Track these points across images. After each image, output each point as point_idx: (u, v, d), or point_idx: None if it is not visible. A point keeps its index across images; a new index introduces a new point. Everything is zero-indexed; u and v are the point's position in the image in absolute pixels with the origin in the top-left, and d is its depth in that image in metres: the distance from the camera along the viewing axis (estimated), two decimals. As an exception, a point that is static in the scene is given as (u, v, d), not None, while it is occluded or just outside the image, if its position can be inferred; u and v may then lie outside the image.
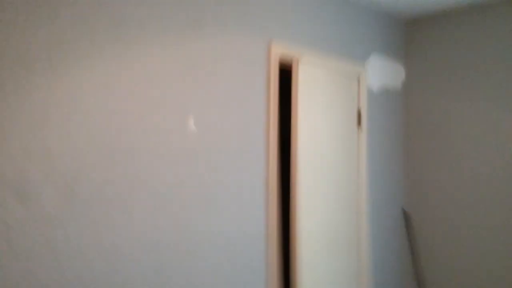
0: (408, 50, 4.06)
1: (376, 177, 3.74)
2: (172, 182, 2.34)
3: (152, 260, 2.24)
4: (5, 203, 1.78)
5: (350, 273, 3.36)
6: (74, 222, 1.97)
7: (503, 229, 3.43)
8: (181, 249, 2.36)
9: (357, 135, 3.51)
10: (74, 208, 1.97)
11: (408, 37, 4.07)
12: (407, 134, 4.05)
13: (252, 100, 2.77)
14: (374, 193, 3.71)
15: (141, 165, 2.22)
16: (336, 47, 3.38)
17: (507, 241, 3.40)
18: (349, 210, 3.39)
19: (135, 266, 2.17)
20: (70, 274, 1.95)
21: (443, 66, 3.82)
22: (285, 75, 3.36)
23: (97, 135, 2.07)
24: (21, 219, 1.81)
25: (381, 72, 3.82)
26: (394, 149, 3.98)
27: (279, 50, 2.91)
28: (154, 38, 2.28)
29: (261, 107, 2.82)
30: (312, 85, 3.10)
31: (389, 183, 3.91)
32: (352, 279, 3.38)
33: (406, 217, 3.99)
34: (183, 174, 2.39)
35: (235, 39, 2.67)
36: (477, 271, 3.55)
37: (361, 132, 3.54)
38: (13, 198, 1.80)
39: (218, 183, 2.56)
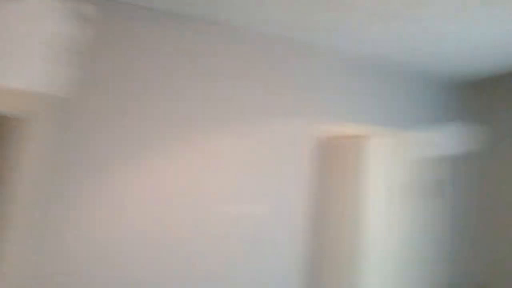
0: (476, 114, 3.92)
1: (450, 248, 3.60)
2: (221, 270, 2.43)
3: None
4: None
5: None
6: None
7: None
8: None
9: (427, 204, 3.44)
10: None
11: (474, 100, 3.94)
12: (483, 204, 3.86)
13: (304, 180, 2.82)
14: (449, 266, 3.56)
15: (189, 251, 2.35)
16: (397, 119, 3.37)
17: None
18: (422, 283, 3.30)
19: None
20: None
21: None
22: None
23: (150, 224, 2.22)
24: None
25: (450, 139, 3.72)
26: (468, 219, 3.80)
27: (333, 130, 2.98)
28: (208, 129, 2.45)
29: (305, 189, 2.85)
30: (376, 160, 3.08)
31: (465, 255, 3.73)
32: None
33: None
34: (233, 263, 2.48)
35: (290, 124, 2.79)
36: None
37: (432, 202, 3.45)
38: None
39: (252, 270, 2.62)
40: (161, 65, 2.35)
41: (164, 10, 2.36)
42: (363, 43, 2.95)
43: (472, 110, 3.94)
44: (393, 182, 3.19)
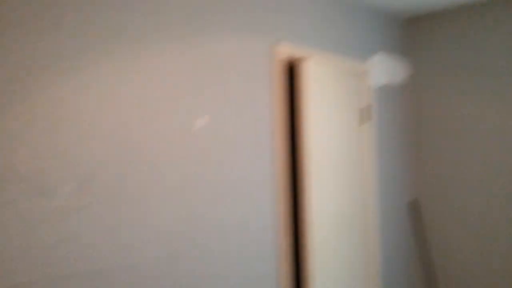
0: (413, 47, 4.08)
1: (386, 169, 3.80)
2: (182, 178, 2.47)
3: (164, 251, 2.34)
4: (26, 198, 1.92)
5: (359, 263, 3.45)
6: (89, 217, 2.08)
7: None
8: (192, 239, 2.47)
9: (364, 129, 3.58)
10: (90, 204, 2.09)
11: (412, 34, 4.08)
12: (417, 128, 4.07)
13: (259, 99, 2.85)
14: (384, 185, 3.77)
15: (153, 163, 2.35)
16: (341, 47, 3.44)
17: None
18: (358, 201, 3.48)
19: (147, 257, 2.28)
20: (83, 267, 2.06)
21: (450, 62, 3.83)
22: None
23: (109, 136, 2.16)
24: (39, 213, 1.93)
25: (386, 69, 3.87)
26: (404, 142, 4.02)
27: (285, 50, 2.97)
28: (158, 40, 2.41)
29: (267, 106, 2.90)
30: (318, 83, 3.15)
31: (399, 175, 3.96)
32: (361, 268, 3.47)
33: (417, 207, 4.05)
34: (192, 170, 2.51)
35: (241, 41, 2.76)
36: (487, 258, 3.63)
37: (368, 126, 3.60)
38: (33, 193, 1.95)
39: (227, 177, 2.67)
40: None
41: None
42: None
43: (407, 44, 4.12)
44: (334, 105, 3.31)
